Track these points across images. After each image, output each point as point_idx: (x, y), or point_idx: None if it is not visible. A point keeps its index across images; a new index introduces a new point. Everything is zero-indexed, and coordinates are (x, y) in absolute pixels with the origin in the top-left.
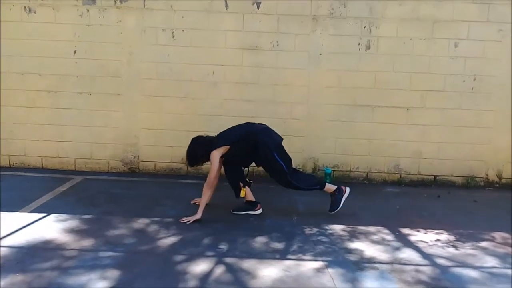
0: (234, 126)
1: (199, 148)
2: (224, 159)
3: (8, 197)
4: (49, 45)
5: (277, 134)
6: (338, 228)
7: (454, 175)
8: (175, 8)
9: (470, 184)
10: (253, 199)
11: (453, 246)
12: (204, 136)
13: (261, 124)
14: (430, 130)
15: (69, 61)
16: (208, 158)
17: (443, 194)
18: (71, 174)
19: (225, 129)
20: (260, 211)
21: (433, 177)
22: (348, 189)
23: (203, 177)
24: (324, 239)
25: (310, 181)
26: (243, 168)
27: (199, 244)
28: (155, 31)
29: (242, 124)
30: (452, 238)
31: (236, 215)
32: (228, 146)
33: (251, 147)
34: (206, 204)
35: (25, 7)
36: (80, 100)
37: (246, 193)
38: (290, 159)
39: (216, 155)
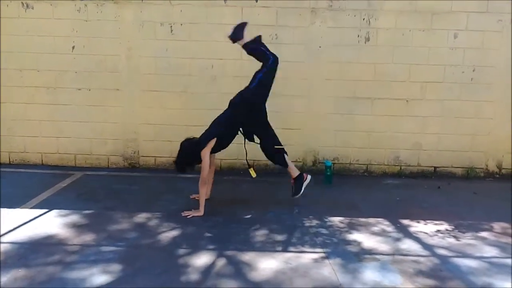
0: (213, 123)
1: (187, 155)
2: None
3: (9, 193)
4: (47, 41)
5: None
6: (338, 220)
7: (454, 166)
8: (173, 2)
9: (470, 175)
10: (294, 173)
11: (453, 236)
12: (191, 138)
13: (233, 99)
14: (429, 122)
15: (67, 57)
16: (197, 161)
17: (443, 185)
18: (71, 170)
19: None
20: (309, 177)
21: (433, 168)
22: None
23: None
24: (325, 231)
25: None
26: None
27: (200, 238)
28: (153, 26)
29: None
30: (452, 228)
31: (238, 208)
32: (215, 139)
33: (245, 118)
34: (206, 199)
35: (22, 3)
36: (79, 95)
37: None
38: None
39: (206, 153)
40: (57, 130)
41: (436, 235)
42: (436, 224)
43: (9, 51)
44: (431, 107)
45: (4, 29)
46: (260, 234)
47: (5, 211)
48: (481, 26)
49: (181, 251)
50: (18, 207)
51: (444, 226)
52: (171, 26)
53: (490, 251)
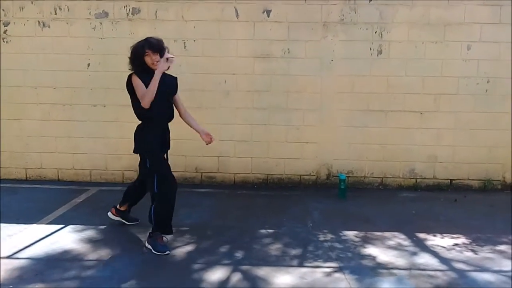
0: None
1: None
2: None
3: (25, 209)
4: (63, 59)
5: None
6: (353, 234)
7: (471, 178)
8: (186, 18)
9: (487, 188)
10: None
11: (471, 250)
12: None
13: None
14: (444, 134)
15: (83, 74)
16: None
17: (459, 198)
18: (86, 185)
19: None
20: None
21: (449, 181)
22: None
23: (217, 186)
24: (339, 245)
25: None
26: None
27: (215, 252)
28: (166, 42)
29: None
30: (469, 242)
31: (252, 222)
32: None
33: None
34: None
35: (39, 22)
36: (94, 112)
37: None
38: None
39: None
40: (73, 146)
41: (454, 249)
42: (453, 237)
43: (25, 69)
44: (445, 119)
45: (21, 48)
46: (274, 249)
47: (22, 226)
48: (495, 37)
49: (196, 266)
50: (34, 223)
51: (462, 239)
52: (185, 42)
53: (509, 265)
